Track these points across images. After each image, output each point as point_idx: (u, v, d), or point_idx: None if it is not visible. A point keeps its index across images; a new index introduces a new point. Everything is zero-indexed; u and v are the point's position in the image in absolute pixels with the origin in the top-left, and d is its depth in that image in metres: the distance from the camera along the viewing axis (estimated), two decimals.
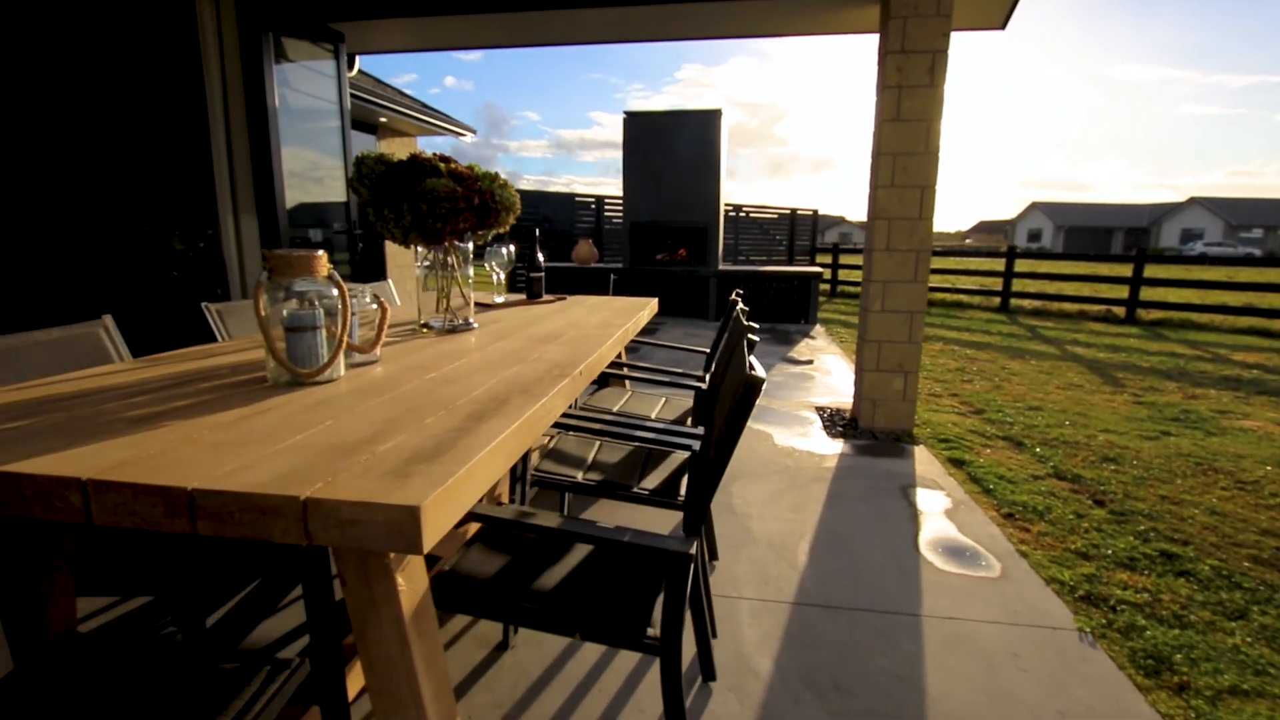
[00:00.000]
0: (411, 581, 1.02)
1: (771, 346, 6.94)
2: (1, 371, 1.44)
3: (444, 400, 1.20)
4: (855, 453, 3.58)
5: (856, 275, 14.23)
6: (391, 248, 8.54)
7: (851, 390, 4.81)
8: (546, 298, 2.99)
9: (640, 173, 8.98)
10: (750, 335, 1.43)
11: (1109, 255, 17.17)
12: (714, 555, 2.38)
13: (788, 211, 13.33)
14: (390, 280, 3.51)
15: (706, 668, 1.73)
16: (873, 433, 3.92)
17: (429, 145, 10.57)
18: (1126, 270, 10.86)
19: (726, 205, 10.51)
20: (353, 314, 1.47)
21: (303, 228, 4.20)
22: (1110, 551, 2.53)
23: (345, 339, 1.35)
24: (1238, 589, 2.28)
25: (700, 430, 1.77)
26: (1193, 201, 51.54)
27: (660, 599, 1.31)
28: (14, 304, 3.69)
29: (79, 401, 1.19)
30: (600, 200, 12.21)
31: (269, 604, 1.39)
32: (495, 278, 2.83)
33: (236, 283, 3.82)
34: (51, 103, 3.59)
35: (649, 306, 2.87)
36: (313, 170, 4.30)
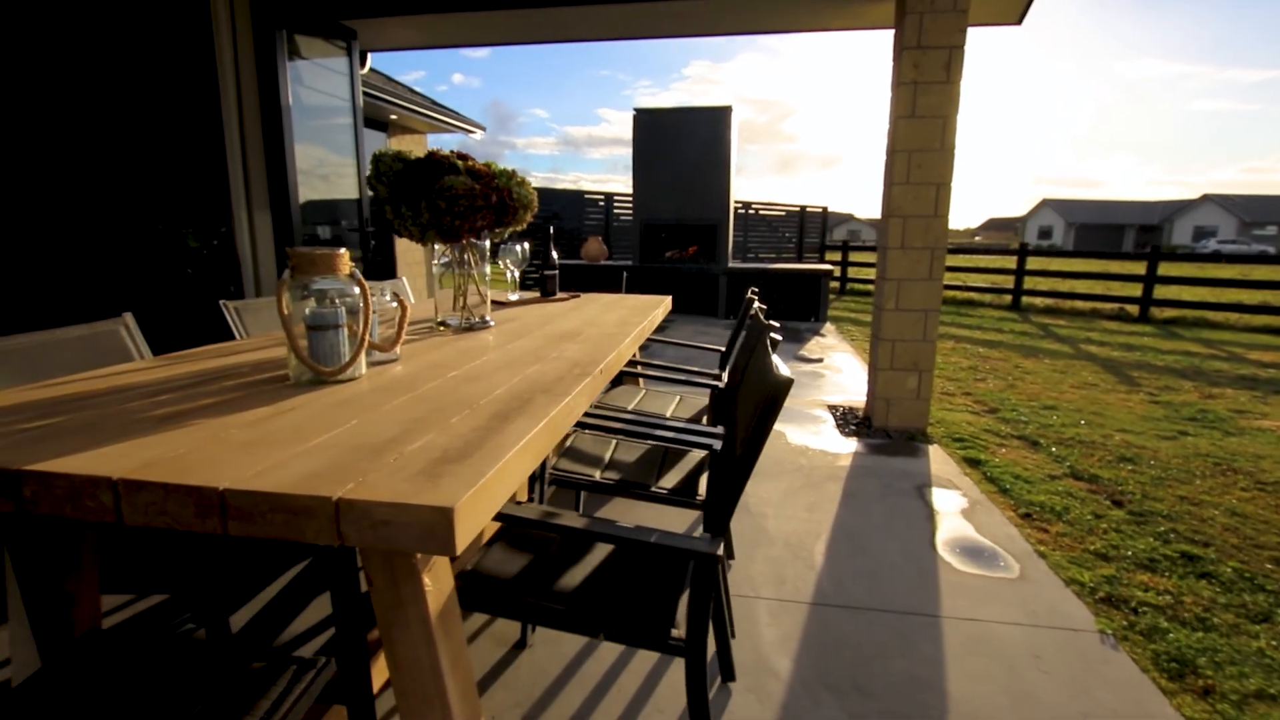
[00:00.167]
0: (437, 582, 1.02)
1: (782, 344, 6.91)
2: (26, 368, 1.44)
3: (467, 399, 1.19)
4: (869, 452, 3.56)
5: (866, 273, 14.17)
6: (401, 245, 8.56)
7: (863, 388, 4.79)
8: (560, 295, 2.98)
9: (650, 170, 8.96)
10: (773, 334, 1.42)
11: (1122, 253, 17.04)
12: (730, 554, 2.37)
13: (797, 209, 13.26)
14: (405, 278, 3.51)
15: (726, 668, 1.72)
16: (886, 431, 3.90)
17: (438, 142, 10.59)
18: (1139, 268, 10.76)
19: (736, 203, 10.48)
20: (373, 312, 1.46)
21: (315, 225, 4.21)
22: (1130, 553, 2.51)
23: (367, 337, 1.35)
24: (1261, 591, 2.26)
25: (719, 429, 1.76)
26: (1206, 198, 51.04)
27: (683, 599, 1.30)
28: (30, 301, 3.72)
29: (104, 400, 1.19)
30: (609, 197, 12.19)
31: (289, 602, 1.39)
32: (509, 275, 2.82)
33: (250, 280, 3.83)
34: (67, 100, 3.61)
35: (663, 304, 2.86)
36: (325, 167, 4.31)
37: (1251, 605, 2.17)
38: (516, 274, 2.78)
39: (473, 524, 0.79)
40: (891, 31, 3.88)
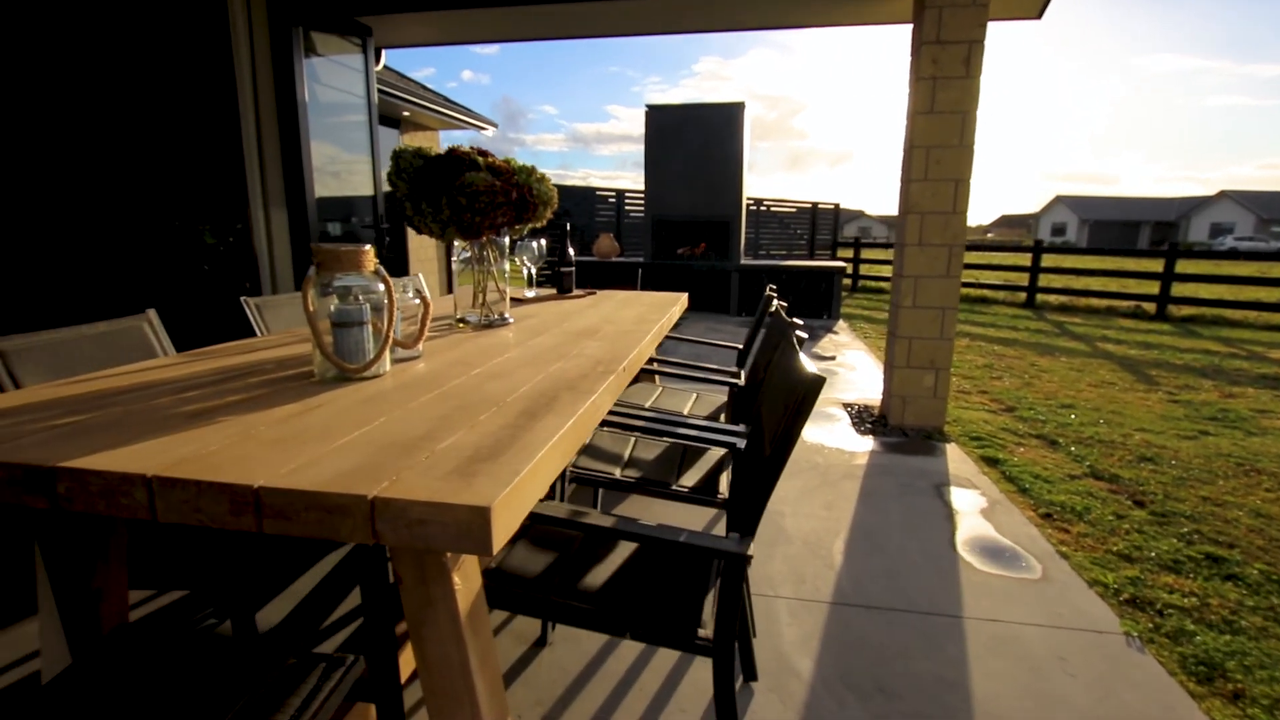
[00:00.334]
0: (466, 580, 1.01)
1: None
2: (52, 364, 1.45)
3: (493, 397, 1.18)
4: (885, 450, 3.54)
5: (878, 270, 14.10)
6: (414, 241, 8.58)
7: (878, 386, 4.76)
8: (577, 292, 2.97)
9: (662, 166, 8.93)
10: (799, 332, 1.40)
11: (1138, 250, 16.83)
12: None
13: (809, 205, 13.19)
14: (421, 274, 3.51)
15: (748, 667, 1.71)
16: (903, 430, 3.87)
17: (449, 139, 10.59)
18: (1155, 265, 10.63)
19: (748, 199, 10.43)
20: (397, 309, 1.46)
21: (329, 221, 4.22)
22: (1153, 554, 2.48)
23: (391, 334, 1.35)
24: None
25: (741, 428, 1.74)
26: (1223, 195, 50.38)
27: (708, 599, 1.29)
28: (49, 297, 3.75)
29: (132, 396, 1.19)
30: (620, 194, 12.16)
31: (315, 599, 1.39)
32: (526, 272, 2.82)
33: (267, 276, 3.85)
34: (87, 98, 3.63)
35: (680, 302, 2.84)
36: (340, 164, 4.31)
37: None
38: (533, 271, 2.77)
39: (508, 523, 0.79)
40: (909, 26, 3.84)
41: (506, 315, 2.09)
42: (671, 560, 1.38)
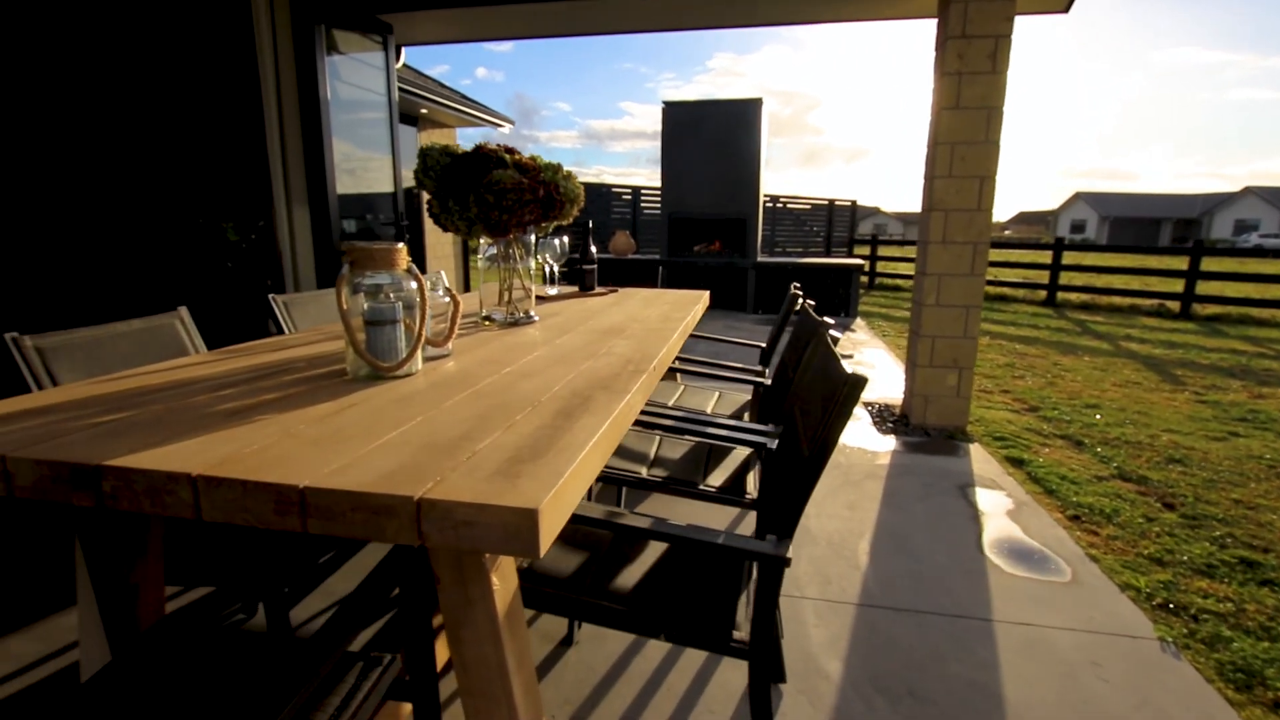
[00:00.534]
0: (504, 581, 1.01)
1: None
2: (88, 361, 1.46)
3: (527, 396, 1.18)
4: (907, 450, 3.50)
5: (894, 267, 13.98)
6: (430, 238, 8.62)
7: (898, 385, 4.72)
8: (599, 290, 2.97)
9: (679, 163, 8.90)
10: (832, 331, 1.38)
11: (1161, 248, 16.57)
12: None
13: (825, 202, 13.10)
14: (443, 271, 3.52)
15: (776, 669, 1.69)
16: (925, 429, 3.83)
17: (464, 136, 10.63)
18: (1179, 263, 10.46)
19: (764, 196, 10.38)
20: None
21: (350, 218, 4.24)
22: (1186, 558, 2.43)
23: (424, 333, 1.34)
24: None
25: (771, 427, 1.73)
26: (1247, 191, 49.46)
27: (741, 600, 1.28)
28: (74, 294, 3.79)
29: (170, 394, 1.19)
30: (636, 191, 12.14)
31: (359, 601, 1.39)
32: (548, 270, 2.81)
33: (289, 273, 3.88)
34: (114, 97, 3.66)
35: (702, 300, 2.83)
36: (361, 161, 4.33)
37: None
38: (556, 268, 2.77)
39: (553, 525, 0.78)
40: (933, 21, 3.80)
41: (532, 313, 2.08)
42: (703, 561, 1.37)
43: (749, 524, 2.59)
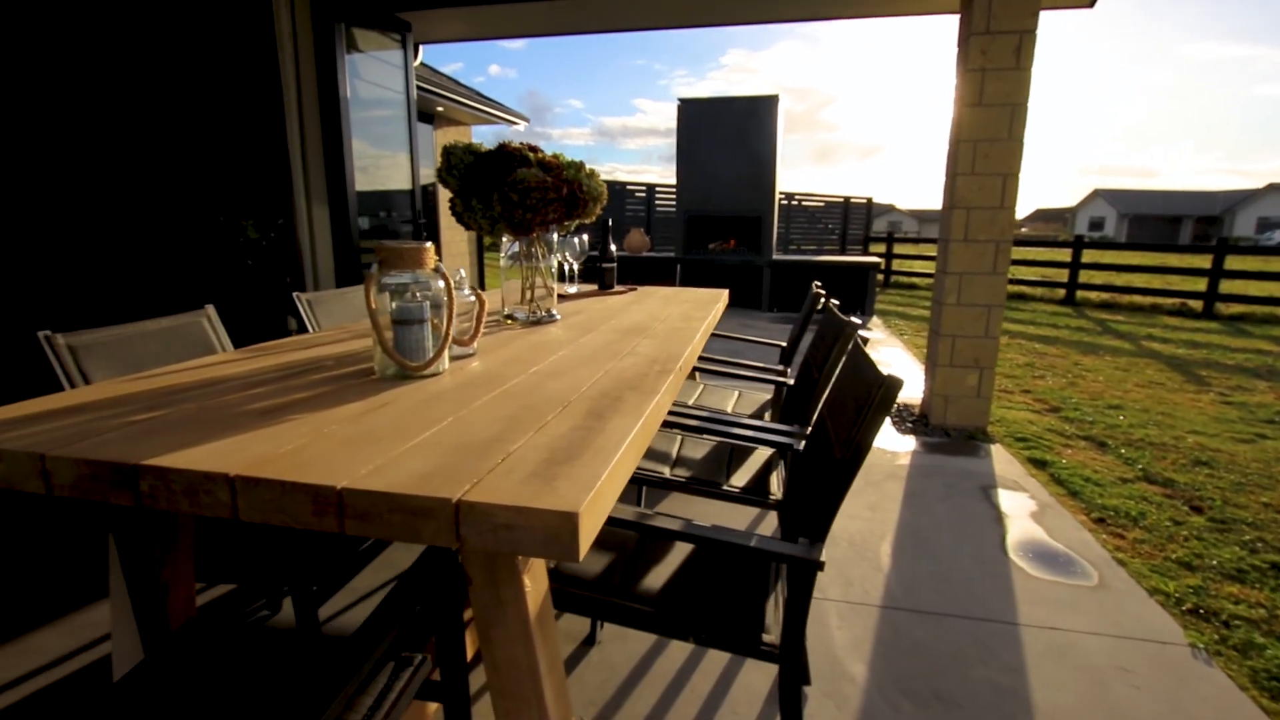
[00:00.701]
0: (535, 582, 1.00)
1: None
2: (117, 360, 1.47)
3: (557, 396, 1.17)
4: (928, 450, 3.47)
5: (910, 265, 13.86)
6: (446, 236, 8.65)
7: (917, 385, 4.67)
8: (618, 288, 2.96)
9: (694, 160, 8.86)
10: (862, 332, 1.37)
11: (1183, 246, 16.30)
12: None
13: (840, 200, 13.00)
14: (463, 269, 3.52)
15: (802, 672, 1.68)
16: (945, 430, 3.79)
17: (479, 134, 10.64)
18: (1202, 262, 10.28)
19: (779, 193, 10.32)
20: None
21: (368, 215, 4.26)
22: (1215, 562, 2.39)
23: (451, 332, 1.34)
24: None
25: (797, 428, 1.71)
26: (1271, 188, 48.57)
27: (769, 603, 1.27)
28: (99, 292, 3.84)
29: (202, 392, 1.20)
30: (651, 188, 12.11)
31: (393, 603, 1.39)
32: (568, 268, 2.81)
33: (309, 271, 3.90)
34: (137, 96, 3.70)
35: (722, 299, 2.81)
36: (380, 159, 4.35)
37: None
38: (576, 266, 2.76)
39: (592, 527, 0.77)
40: (955, 17, 3.75)
41: (554, 312, 2.08)
42: (731, 563, 1.36)
43: (768, 524, 2.58)
